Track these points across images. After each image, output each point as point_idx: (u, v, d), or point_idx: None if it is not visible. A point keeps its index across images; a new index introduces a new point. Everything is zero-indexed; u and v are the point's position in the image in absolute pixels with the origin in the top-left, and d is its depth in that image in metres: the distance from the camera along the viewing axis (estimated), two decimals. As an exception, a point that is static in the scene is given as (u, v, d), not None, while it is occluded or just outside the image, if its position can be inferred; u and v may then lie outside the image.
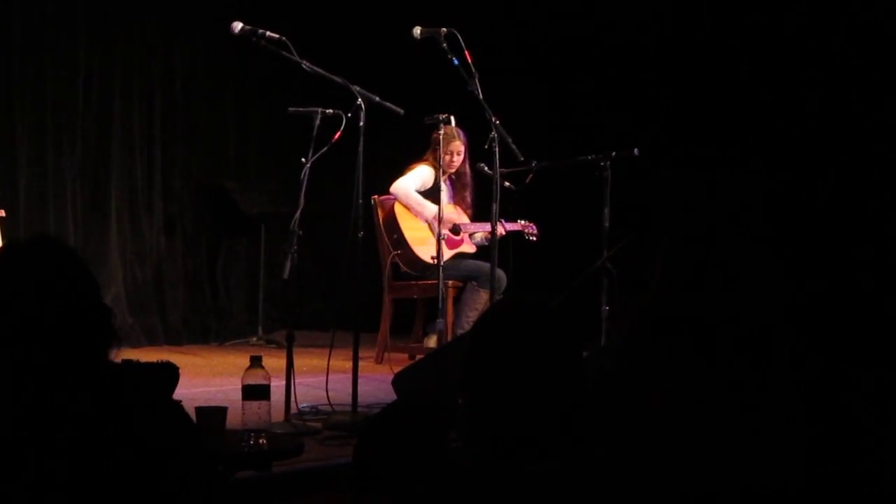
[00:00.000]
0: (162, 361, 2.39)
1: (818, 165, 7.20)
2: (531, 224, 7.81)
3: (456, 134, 7.35)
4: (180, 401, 2.39)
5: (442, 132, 6.56)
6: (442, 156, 7.30)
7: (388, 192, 7.57)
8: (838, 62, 7.49)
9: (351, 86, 5.30)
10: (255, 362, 3.70)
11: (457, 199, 7.69)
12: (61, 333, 2.27)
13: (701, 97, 8.21)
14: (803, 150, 7.41)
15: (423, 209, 7.41)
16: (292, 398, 5.04)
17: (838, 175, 7.02)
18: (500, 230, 7.35)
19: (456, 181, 7.69)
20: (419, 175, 7.51)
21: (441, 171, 6.93)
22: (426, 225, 7.48)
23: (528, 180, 6.90)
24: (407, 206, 7.52)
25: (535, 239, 7.81)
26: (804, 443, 2.42)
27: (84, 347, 2.28)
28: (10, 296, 2.28)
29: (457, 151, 7.49)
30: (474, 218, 7.68)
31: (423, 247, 7.41)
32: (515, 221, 7.69)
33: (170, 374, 2.38)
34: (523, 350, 2.22)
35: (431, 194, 7.38)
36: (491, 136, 5.81)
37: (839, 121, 7.38)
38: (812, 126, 7.46)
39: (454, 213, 7.59)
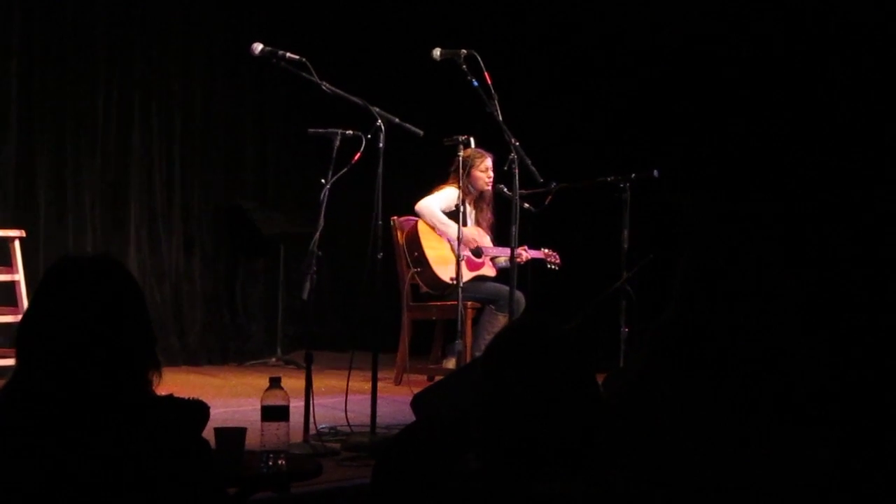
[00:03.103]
0: (194, 399, 2.40)
1: (830, 187, 7.20)
2: (554, 253, 7.78)
3: (484, 152, 7.33)
4: (208, 442, 2.41)
5: (471, 153, 6.53)
6: (477, 175, 7.33)
7: (407, 213, 7.56)
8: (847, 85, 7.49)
9: (371, 107, 5.31)
10: (274, 383, 3.69)
11: (479, 218, 7.67)
12: (108, 355, 2.29)
13: (720, 119, 8.20)
14: (818, 172, 7.40)
15: (448, 229, 7.36)
16: (311, 419, 5.05)
17: (847, 196, 7.01)
18: (525, 256, 7.35)
19: (479, 200, 7.66)
20: (445, 196, 7.47)
21: (467, 191, 6.89)
22: (448, 245, 7.46)
23: (547, 202, 6.90)
24: (431, 225, 7.50)
25: (556, 268, 7.78)
26: (827, 468, 2.41)
27: (127, 372, 2.30)
28: (65, 310, 2.30)
29: (490, 168, 7.46)
30: (495, 241, 7.66)
31: (444, 266, 7.39)
32: (539, 249, 7.68)
33: (201, 413, 2.39)
34: (534, 372, 2.23)
35: (455, 215, 7.36)
36: (510, 157, 5.82)
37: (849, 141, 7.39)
38: (824, 148, 7.46)
39: (477, 235, 7.57)
